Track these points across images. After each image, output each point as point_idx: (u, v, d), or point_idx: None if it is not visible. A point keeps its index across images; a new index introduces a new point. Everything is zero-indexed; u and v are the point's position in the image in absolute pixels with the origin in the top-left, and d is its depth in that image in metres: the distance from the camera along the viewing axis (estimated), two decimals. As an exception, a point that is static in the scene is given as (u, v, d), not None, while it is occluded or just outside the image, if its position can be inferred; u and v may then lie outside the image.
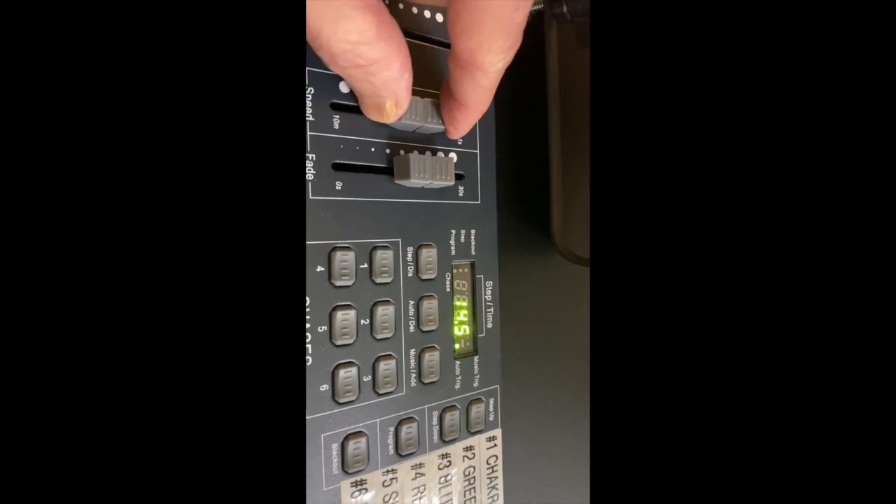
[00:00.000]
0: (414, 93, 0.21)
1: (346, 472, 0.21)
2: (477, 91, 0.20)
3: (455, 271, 0.25)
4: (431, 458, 0.24)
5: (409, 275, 0.23)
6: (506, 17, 0.17)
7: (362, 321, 0.22)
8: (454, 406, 0.25)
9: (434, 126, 0.22)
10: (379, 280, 0.22)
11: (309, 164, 0.20)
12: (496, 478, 0.27)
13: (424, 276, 0.23)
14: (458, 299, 0.25)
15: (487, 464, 0.26)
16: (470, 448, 0.25)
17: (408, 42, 0.19)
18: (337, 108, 0.21)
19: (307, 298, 0.20)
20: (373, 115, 0.21)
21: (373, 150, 0.22)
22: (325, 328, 0.21)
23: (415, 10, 0.23)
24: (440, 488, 0.24)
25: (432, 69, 0.23)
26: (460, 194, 0.25)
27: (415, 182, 0.22)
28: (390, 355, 0.22)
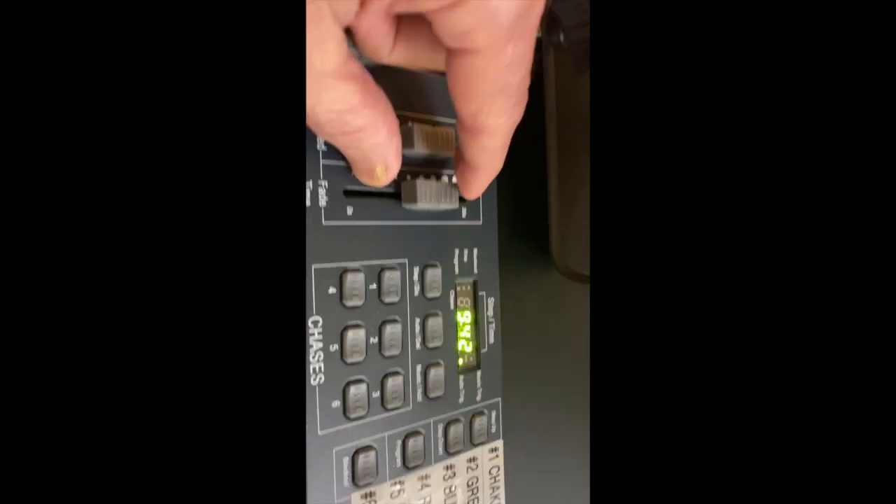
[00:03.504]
0: (423, 122, 0.22)
1: (357, 485, 0.22)
2: (486, 154, 0.20)
3: (458, 289, 0.26)
4: (437, 470, 0.25)
5: (416, 294, 0.24)
6: (501, 79, 0.17)
7: (371, 339, 0.22)
8: (458, 419, 0.26)
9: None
10: (387, 300, 0.23)
11: (322, 191, 0.21)
12: (498, 487, 0.28)
13: (430, 295, 0.24)
14: (462, 315, 0.26)
15: (490, 474, 0.27)
16: (473, 459, 0.26)
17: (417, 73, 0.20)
18: (347, 136, 0.22)
19: (319, 318, 0.21)
20: (364, 180, 0.21)
21: (381, 175, 0.23)
22: (336, 347, 0.22)
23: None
24: (445, 499, 0.25)
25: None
26: (463, 216, 0.26)
27: (421, 206, 0.23)
28: (398, 372, 0.23)
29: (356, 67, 0.17)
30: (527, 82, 0.18)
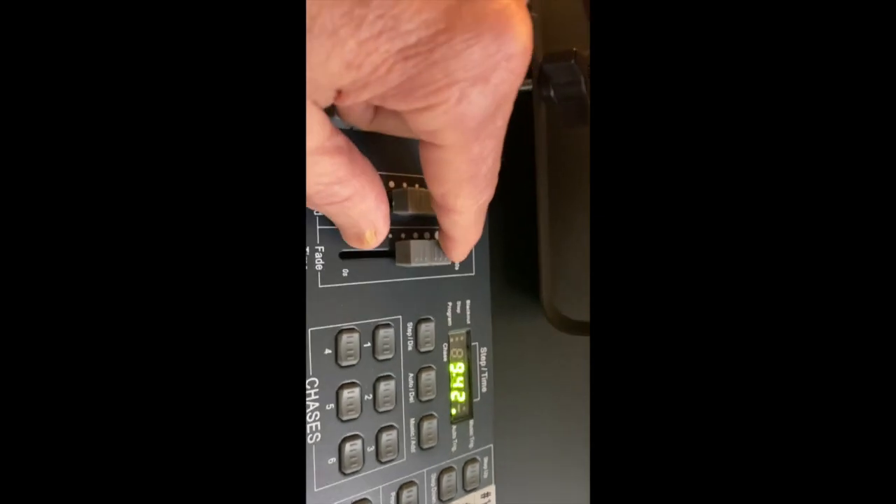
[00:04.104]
0: (416, 182, 0.23)
1: (352, 539, 0.23)
2: (458, 228, 0.21)
3: (451, 340, 0.26)
4: (430, 519, 0.25)
5: (409, 349, 0.25)
6: (467, 171, 0.18)
7: (366, 396, 0.23)
8: (451, 467, 0.26)
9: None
10: (381, 357, 0.23)
11: (318, 255, 0.22)
12: (490, 532, 0.28)
13: (423, 349, 0.25)
14: (455, 366, 0.27)
15: (482, 519, 0.28)
16: (466, 506, 0.27)
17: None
18: (343, 201, 0.22)
19: (315, 379, 0.22)
20: (354, 244, 0.21)
21: (376, 237, 0.23)
22: (332, 406, 0.22)
23: None
24: (438, 547, 0.26)
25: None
26: (456, 268, 0.26)
27: (415, 264, 0.24)
28: (392, 426, 0.24)
29: (341, 140, 0.18)
30: (496, 169, 0.19)
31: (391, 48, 0.14)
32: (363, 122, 0.20)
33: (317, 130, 0.17)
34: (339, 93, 0.16)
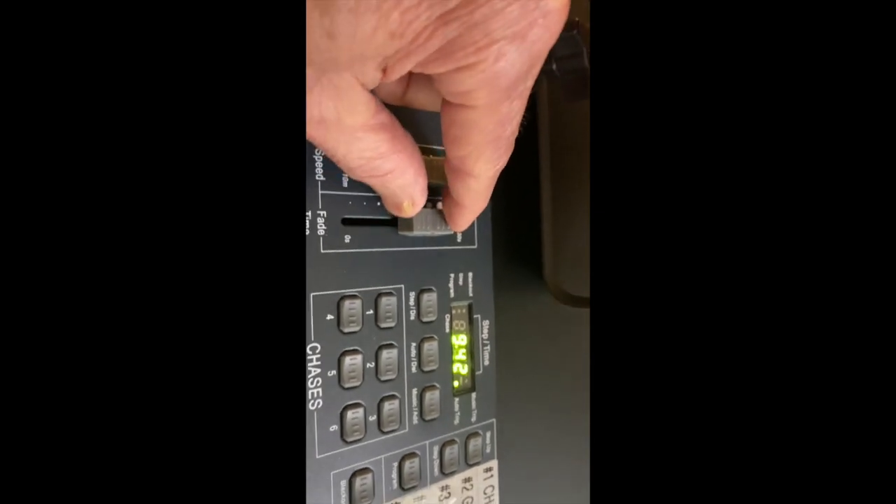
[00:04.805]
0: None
1: (354, 507, 0.23)
2: (470, 194, 0.21)
3: (454, 312, 0.26)
4: (432, 491, 0.25)
5: (412, 318, 0.24)
6: (493, 132, 0.18)
7: (368, 364, 0.23)
8: (453, 440, 0.26)
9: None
10: (383, 325, 0.23)
11: (320, 220, 0.22)
12: (493, 507, 0.28)
13: (425, 319, 0.25)
14: (457, 338, 0.27)
15: (485, 494, 0.28)
16: (468, 479, 0.27)
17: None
18: (345, 167, 0.22)
19: (317, 345, 0.22)
20: (393, 212, 0.22)
21: (379, 204, 0.23)
22: (334, 372, 0.22)
23: None
24: (440, 519, 0.26)
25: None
26: (458, 240, 0.26)
27: (418, 233, 0.23)
28: (394, 395, 0.24)
29: (385, 117, 0.18)
30: (515, 134, 0.19)
31: (432, 14, 0.14)
32: (395, 97, 0.20)
33: (361, 110, 0.17)
34: (385, 71, 0.16)
